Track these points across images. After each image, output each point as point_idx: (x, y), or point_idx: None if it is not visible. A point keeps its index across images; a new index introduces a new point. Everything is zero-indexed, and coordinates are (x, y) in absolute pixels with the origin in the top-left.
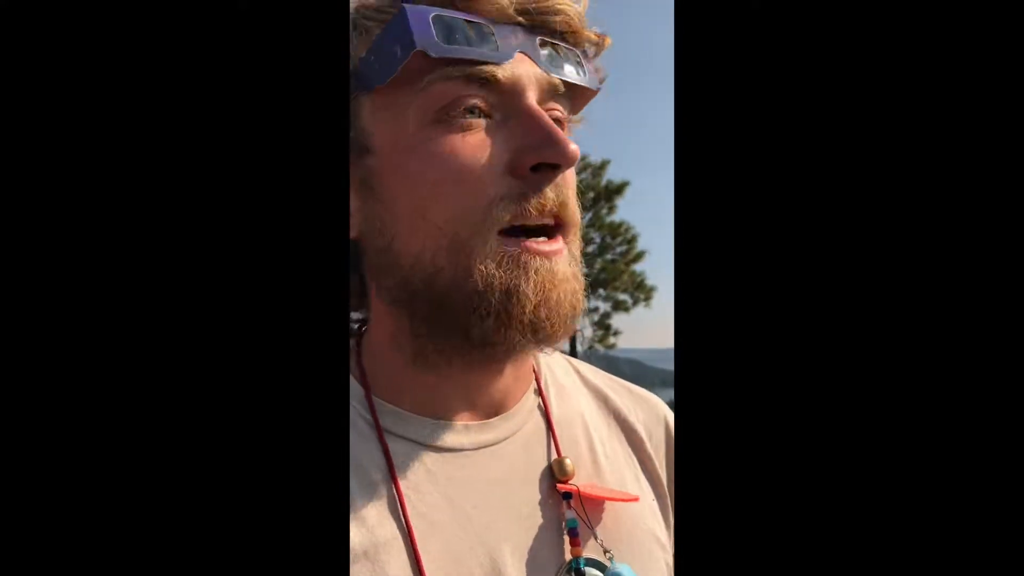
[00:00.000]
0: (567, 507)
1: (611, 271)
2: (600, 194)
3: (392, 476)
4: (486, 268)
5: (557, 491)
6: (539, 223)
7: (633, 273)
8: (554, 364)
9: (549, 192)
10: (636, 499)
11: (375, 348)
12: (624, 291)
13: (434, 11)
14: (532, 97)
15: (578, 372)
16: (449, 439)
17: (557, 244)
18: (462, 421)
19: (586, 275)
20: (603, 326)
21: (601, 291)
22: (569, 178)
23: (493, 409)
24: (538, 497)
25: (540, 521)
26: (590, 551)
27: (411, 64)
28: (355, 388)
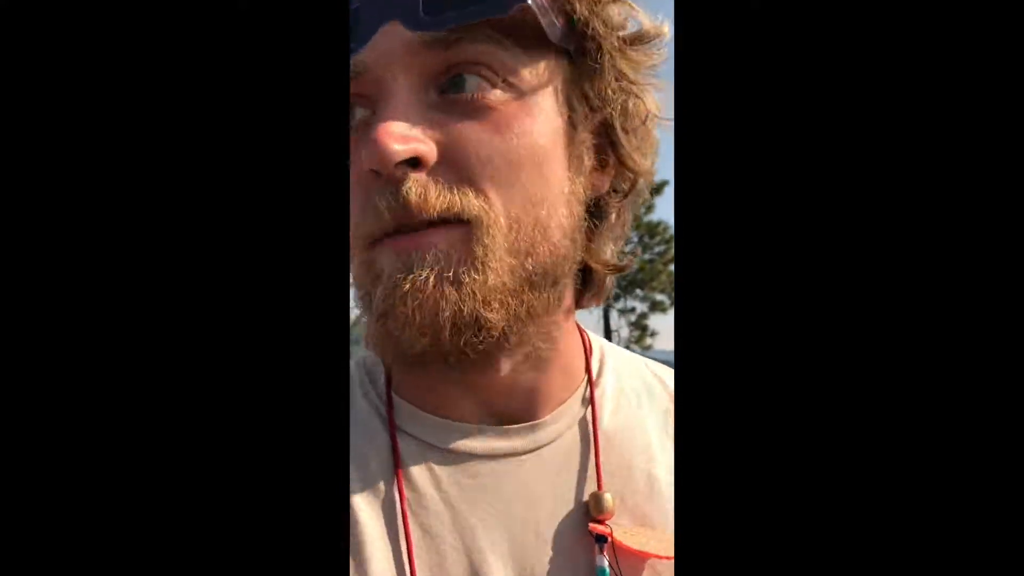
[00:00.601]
0: (599, 552)
1: (648, 271)
2: None
3: (395, 473)
4: (356, 279)
5: (590, 530)
6: (412, 225)
7: (671, 273)
8: (624, 368)
9: (380, 203)
10: (671, 559)
11: None
12: (661, 291)
13: None
14: (396, 77)
15: (659, 378)
16: (461, 442)
17: (421, 239)
18: (478, 425)
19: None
20: (640, 327)
21: (638, 291)
22: (425, 177)
23: (518, 415)
24: (565, 527)
25: (559, 557)
26: None
27: None
28: (380, 383)
